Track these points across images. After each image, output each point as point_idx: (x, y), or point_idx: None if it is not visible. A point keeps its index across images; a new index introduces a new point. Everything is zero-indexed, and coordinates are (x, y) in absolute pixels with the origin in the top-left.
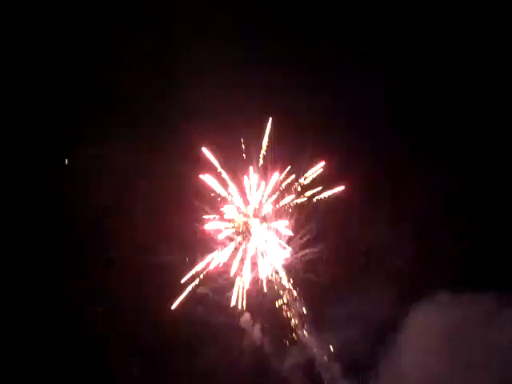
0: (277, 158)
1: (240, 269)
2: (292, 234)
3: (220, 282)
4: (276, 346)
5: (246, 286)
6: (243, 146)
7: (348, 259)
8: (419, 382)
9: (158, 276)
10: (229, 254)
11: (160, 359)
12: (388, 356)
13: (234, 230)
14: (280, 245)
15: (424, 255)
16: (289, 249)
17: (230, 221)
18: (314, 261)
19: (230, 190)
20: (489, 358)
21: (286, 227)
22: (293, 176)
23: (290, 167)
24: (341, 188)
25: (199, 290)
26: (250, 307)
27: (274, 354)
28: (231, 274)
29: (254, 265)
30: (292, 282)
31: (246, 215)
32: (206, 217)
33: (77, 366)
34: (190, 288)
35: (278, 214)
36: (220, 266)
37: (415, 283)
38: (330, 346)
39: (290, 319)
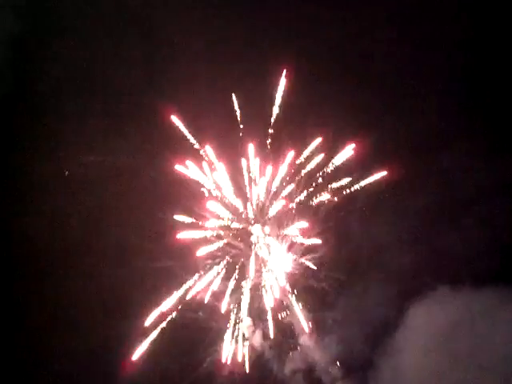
0: (291, 132)
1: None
2: (320, 242)
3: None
4: (277, 351)
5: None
6: (237, 112)
7: (349, 261)
8: (420, 380)
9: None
10: (214, 283)
11: (160, 364)
12: (388, 355)
13: (223, 242)
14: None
15: (424, 253)
16: (291, 256)
17: (217, 229)
18: (316, 265)
19: (218, 179)
20: (489, 355)
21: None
22: (320, 156)
23: (320, 139)
24: (383, 173)
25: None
26: (250, 312)
27: (275, 359)
28: (222, 311)
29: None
30: (293, 287)
31: (242, 218)
32: (177, 218)
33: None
34: (154, 335)
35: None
36: (204, 298)
37: (415, 281)
38: (331, 350)
39: (291, 324)
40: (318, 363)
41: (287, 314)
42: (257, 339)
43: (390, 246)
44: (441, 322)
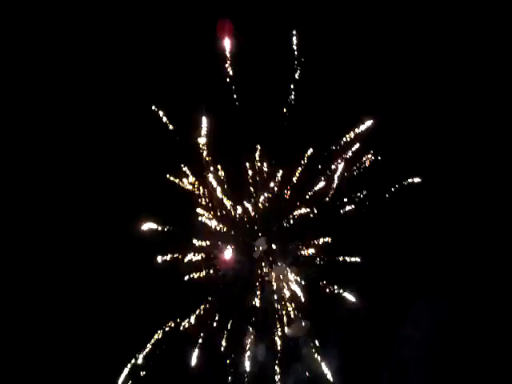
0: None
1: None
2: (360, 260)
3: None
4: (280, 364)
5: None
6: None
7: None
8: (420, 376)
9: None
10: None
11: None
12: (389, 353)
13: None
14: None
15: (423, 252)
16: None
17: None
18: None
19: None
20: (489, 352)
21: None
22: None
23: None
24: (417, 180)
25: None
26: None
27: (278, 373)
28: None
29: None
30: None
31: (245, 230)
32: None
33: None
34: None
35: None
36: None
37: (415, 280)
38: (334, 359)
39: (294, 337)
40: (321, 373)
41: (291, 326)
42: (260, 351)
43: (390, 246)
44: (442, 321)
